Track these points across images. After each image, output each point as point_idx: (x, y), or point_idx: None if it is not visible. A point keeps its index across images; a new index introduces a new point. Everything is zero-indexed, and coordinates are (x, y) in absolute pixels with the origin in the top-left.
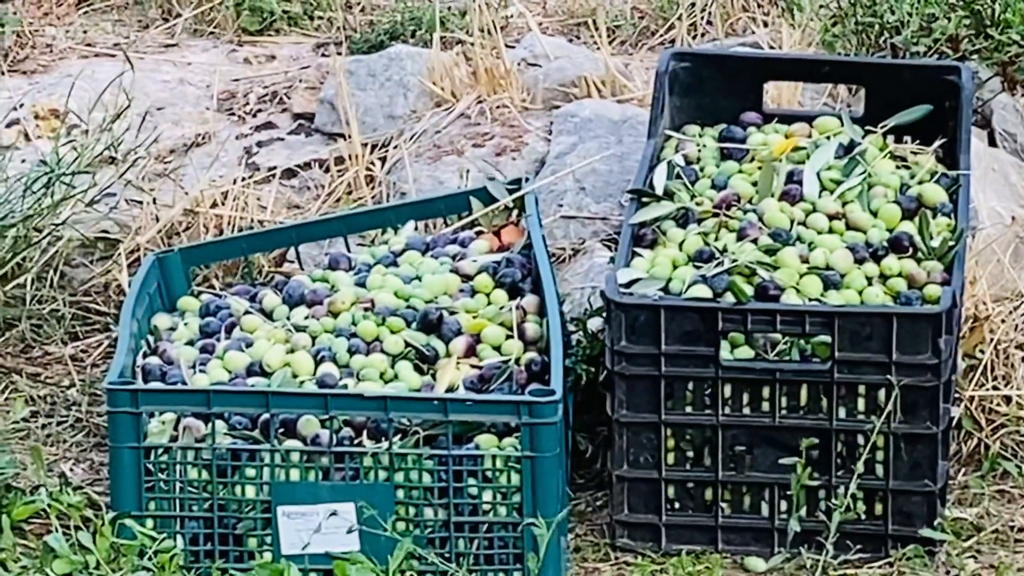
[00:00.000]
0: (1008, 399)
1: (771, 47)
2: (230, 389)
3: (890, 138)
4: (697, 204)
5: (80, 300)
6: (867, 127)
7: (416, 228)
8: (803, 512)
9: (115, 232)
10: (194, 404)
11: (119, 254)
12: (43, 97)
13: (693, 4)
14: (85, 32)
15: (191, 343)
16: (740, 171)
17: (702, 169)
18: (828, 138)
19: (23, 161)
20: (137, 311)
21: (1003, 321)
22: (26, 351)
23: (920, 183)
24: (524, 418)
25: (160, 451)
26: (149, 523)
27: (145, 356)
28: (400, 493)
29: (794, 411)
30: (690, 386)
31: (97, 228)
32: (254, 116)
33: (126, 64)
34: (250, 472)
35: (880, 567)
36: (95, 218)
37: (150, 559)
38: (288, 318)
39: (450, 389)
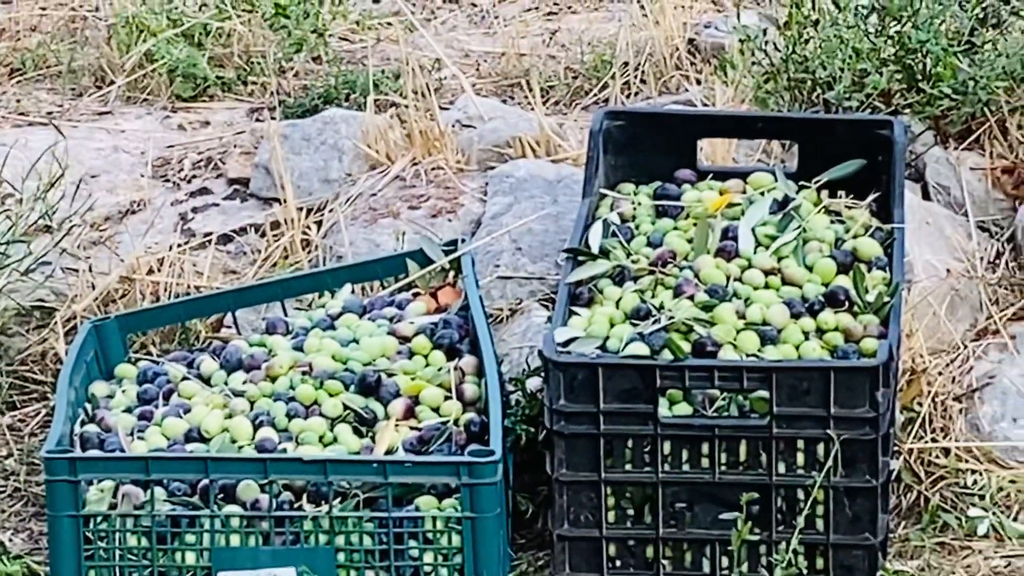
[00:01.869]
0: (947, 451)
1: (704, 104)
2: (168, 455)
3: (824, 193)
4: (633, 262)
5: (17, 369)
6: (801, 182)
7: (353, 291)
8: (744, 568)
9: (51, 300)
10: (133, 471)
11: (55, 322)
12: None
13: (626, 63)
14: (18, 101)
15: (129, 410)
16: (675, 228)
17: (637, 227)
18: (762, 194)
19: None
20: (74, 379)
21: (940, 373)
22: None
23: (855, 237)
24: (464, 479)
25: (99, 519)
26: None
27: (83, 424)
28: (341, 556)
29: (734, 467)
30: (629, 444)
31: (33, 297)
32: (189, 182)
33: (59, 133)
34: (190, 538)
35: None
36: (31, 287)
37: None
38: (226, 383)
39: (389, 451)
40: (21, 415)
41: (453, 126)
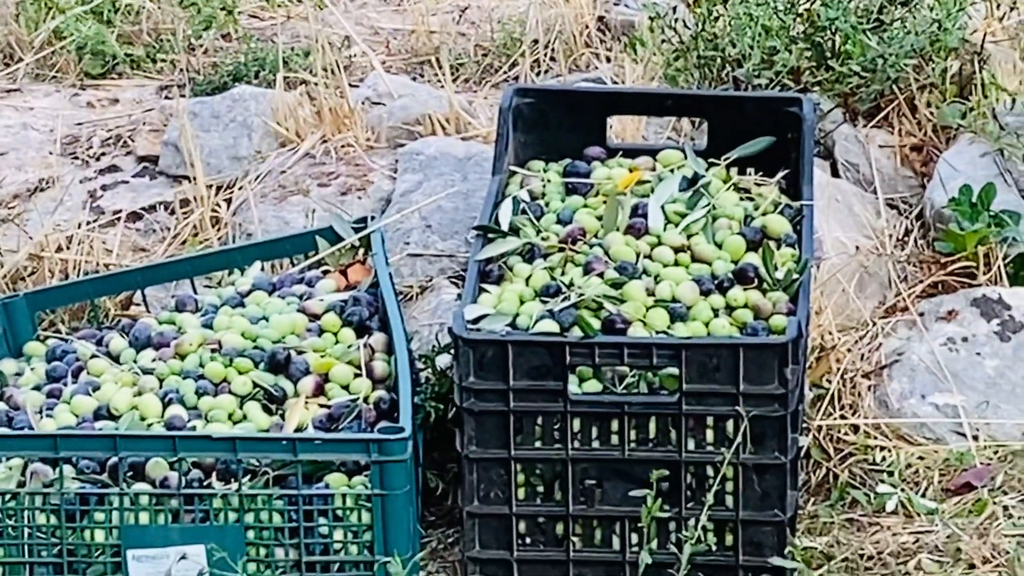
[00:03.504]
0: (855, 428)
1: (614, 82)
2: (77, 433)
3: (733, 170)
4: (543, 239)
5: None
6: (710, 160)
7: (262, 268)
8: (654, 545)
9: None
10: (41, 449)
11: None
12: None
13: (536, 41)
14: None
15: (38, 388)
16: (585, 206)
17: (547, 204)
18: (672, 171)
19: None
20: None
21: (849, 351)
22: None
23: (764, 214)
24: (374, 456)
25: (7, 497)
26: None
27: None
28: (251, 534)
29: (643, 444)
30: (539, 421)
31: None
32: (98, 160)
33: None
34: (99, 516)
35: None
36: None
37: None
38: (135, 361)
39: (299, 429)
40: None
41: (363, 104)
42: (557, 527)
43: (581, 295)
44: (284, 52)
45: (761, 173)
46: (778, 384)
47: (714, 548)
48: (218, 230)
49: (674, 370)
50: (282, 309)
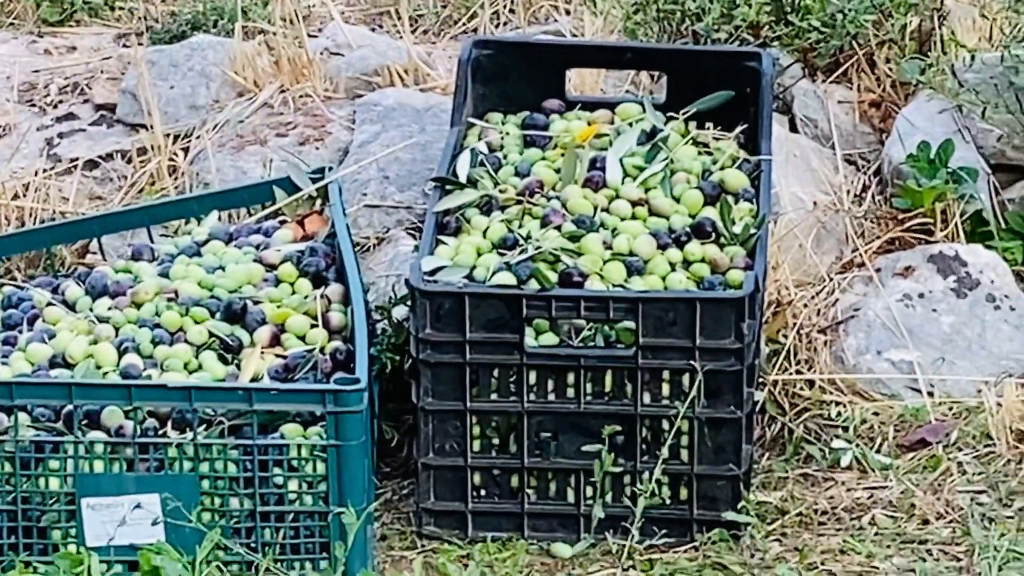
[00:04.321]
0: (811, 383)
1: (573, 35)
2: (33, 381)
3: (692, 124)
4: (501, 192)
5: None
6: (669, 114)
7: (220, 218)
8: (608, 498)
9: None
10: None
11: None
12: None
13: None
14: None
15: None
16: (543, 158)
17: (505, 157)
18: (630, 125)
19: None
20: None
21: (805, 306)
22: None
23: (722, 169)
24: (329, 407)
25: None
26: None
27: None
28: (205, 484)
29: (599, 397)
30: (495, 373)
31: None
32: (55, 107)
33: None
34: (54, 464)
35: (685, 551)
36: None
37: None
38: (91, 309)
39: (255, 379)
40: None
41: (321, 54)
42: (512, 479)
43: (538, 248)
44: (243, 1)
45: (720, 127)
46: (734, 339)
47: (668, 502)
48: (175, 179)
49: (630, 324)
50: (239, 259)
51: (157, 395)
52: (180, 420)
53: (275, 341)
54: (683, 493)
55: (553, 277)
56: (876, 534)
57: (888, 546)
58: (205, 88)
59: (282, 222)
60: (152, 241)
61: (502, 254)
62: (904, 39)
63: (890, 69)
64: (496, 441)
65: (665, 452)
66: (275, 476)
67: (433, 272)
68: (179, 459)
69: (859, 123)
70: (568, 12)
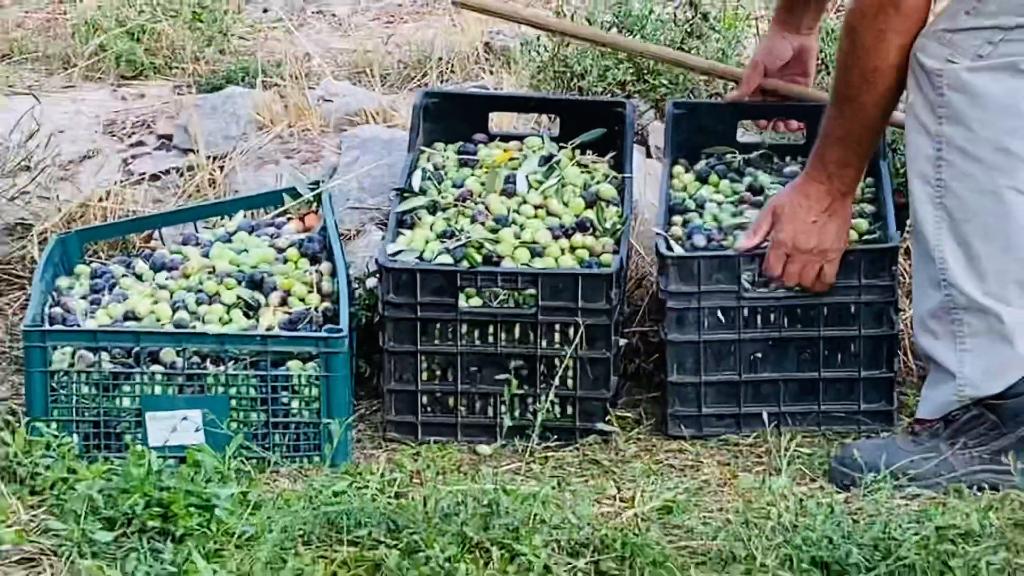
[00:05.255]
0: (656, 333)
1: (495, 88)
2: (112, 329)
3: (577, 152)
4: (443, 198)
5: (4, 268)
6: (561, 144)
7: (245, 216)
8: (516, 413)
9: (30, 219)
10: (86, 340)
11: (32, 235)
12: None
13: (441, 59)
14: (7, 77)
15: (84, 298)
16: (473, 175)
17: (446, 174)
18: (534, 152)
19: None
20: (45, 275)
21: (655, 280)
22: None
23: (598, 183)
24: (321, 348)
25: (61, 374)
26: (53, 425)
27: (51, 307)
28: (233, 403)
29: (510, 343)
30: (438, 326)
31: (16, 217)
32: (130, 137)
33: (36, 100)
34: (126, 388)
35: (570, 450)
36: (15, 209)
37: (54, 450)
38: (153, 280)
39: (269, 329)
40: (7, 300)
41: (318, 101)
42: (449, 400)
43: (469, 238)
44: (262, 63)
45: (596, 154)
46: (605, 302)
47: (558, 416)
48: (214, 189)
49: (533, 291)
50: (258, 244)
51: (200, 340)
52: (216, 357)
53: (283, 302)
54: (569, 410)
55: (479, 258)
56: (704, 438)
57: (712, 447)
58: (236, 124)
59: (289, 219)
60: (197, 232)
61: (443, 242)
62: (725, 91)
63: None
64: (438, 373)
65: (557, 381)
66: (283, 397)
67: (395, 254)
68: (215, 385)
69: None
70: (491, 73)
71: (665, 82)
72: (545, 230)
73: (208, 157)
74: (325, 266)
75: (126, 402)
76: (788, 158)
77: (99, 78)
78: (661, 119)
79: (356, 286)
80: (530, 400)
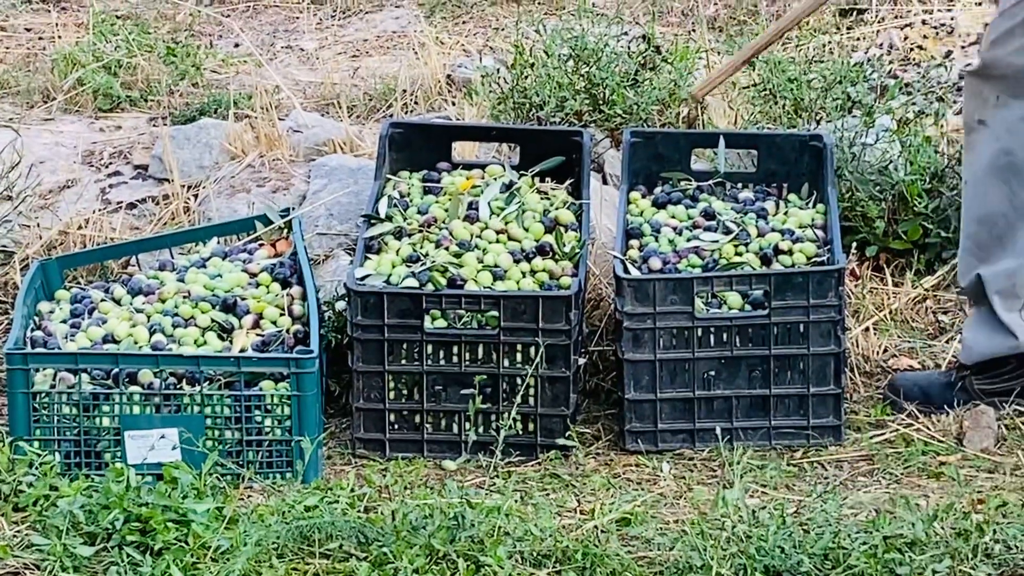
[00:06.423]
0: (615, 352)
1: (457, 119)
2: (91, 351)
3: (537, 179)
4: (408, 224)
5: None
6: (521, 172)
7: (218, 242)
8: (480, 429)
9: (11, 247)
10: (66, 363)
11: (14, 261)
12: None
13: (405, 90)
14: None
15: (64, 321)
16: (436, 202)
17: (411, 201)
18: (495, 179)
19: None
20: (27, 300)
21: (612, 301)
22: None
23: (556, 209)
24: (293, 369)
25: (43, 395)
26: (36, 444)
27: (32, 331)
28: (208, 421)
29: (474, 362)
30: (404, 346)
31: None
32: (107, 167)
33: (16, 133)
34: (105, 408)
35: (532, 465)
36: None
37: (37, 468)
38: (131, 303)
39: (242, 350)
40: None
41: (287, 132)
42: (416, 417)
43: (433, 262)
44: (234, 95)
45: (555, 181)
46: (565, 323)
47: (520, 432)
48: (188, 216)
49: (495, 313)
50: (231, 269)
51: (176, 361)
52: (192, 378)
53: (256, 325)
54: (531, 426)
55: (443, 281)
56: (660, 452)
57: (670, 460)
58: (209, 154)
59: (261, 245)
60: (173, 257)
61: (409, 266)
62: (678, 122)
63: None
64: (405, 392)
65: (518, 399)
66: (256, 416)
67: (363, 278)
68: (191, 404)
69: None
70: (454, 103)
71: (619, 112)
72: (506, 254)
73: (183, 186)
74: (296, 290)
75: (106, 421)
76: (740, 185)
77: (77, 111)
78: (616, 147)
79: (326, 309)
80: (493, 417)
